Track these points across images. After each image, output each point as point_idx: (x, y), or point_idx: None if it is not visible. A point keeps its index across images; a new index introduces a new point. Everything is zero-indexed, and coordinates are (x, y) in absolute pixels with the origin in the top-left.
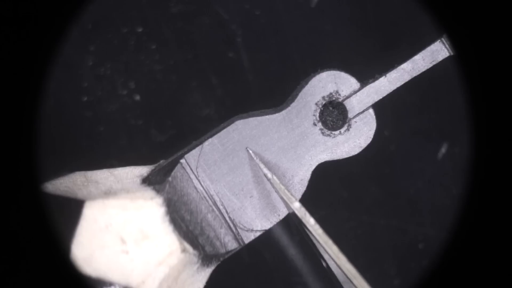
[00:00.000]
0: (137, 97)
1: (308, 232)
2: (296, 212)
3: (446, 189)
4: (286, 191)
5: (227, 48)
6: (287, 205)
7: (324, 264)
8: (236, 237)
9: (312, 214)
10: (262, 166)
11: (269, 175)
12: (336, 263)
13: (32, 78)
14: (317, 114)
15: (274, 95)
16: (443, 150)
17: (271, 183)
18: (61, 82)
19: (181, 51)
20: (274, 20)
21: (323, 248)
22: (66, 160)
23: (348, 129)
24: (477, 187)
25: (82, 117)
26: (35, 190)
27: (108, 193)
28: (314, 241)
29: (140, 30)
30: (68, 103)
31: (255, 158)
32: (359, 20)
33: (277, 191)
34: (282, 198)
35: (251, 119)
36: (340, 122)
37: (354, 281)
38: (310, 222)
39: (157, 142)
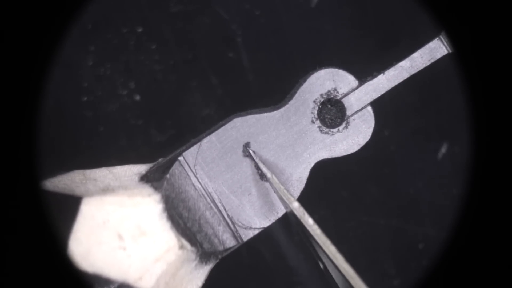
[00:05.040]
0: (137, 97)
1: (306, 232)
2: (295, 212)
3: (446, 189)
4: (285, 190)
5: (227, 48)
6: (285, 205)
7: (321, 265)
8: (235, 235)
9: (312, 214)
10: (261, 165)
11: (269, 174)
12: (333, 263)
13: (32, 78)
14: (315, 112)
15: (274, 95)
16: (443, 150)
17: (270, 182)
18: (61, 82)
19: (181, 51)
20: (274, 20)
21: (321, 248)
22: (66, 159)
23: (346, 127)
24: (477, 187)
25: (82, 117)
26: (35, 188)
27: (106, 190)
28: (312, 242)
29: (140, 30)
30: (68, 103)
31: (254, 158)
32: (358, 19)
33: (275, 191)
34: (281, 197)
35: (249, 116)
36: (338, 119)
37: (352, 282)
38: (308, 222)
39: (157, 142)
